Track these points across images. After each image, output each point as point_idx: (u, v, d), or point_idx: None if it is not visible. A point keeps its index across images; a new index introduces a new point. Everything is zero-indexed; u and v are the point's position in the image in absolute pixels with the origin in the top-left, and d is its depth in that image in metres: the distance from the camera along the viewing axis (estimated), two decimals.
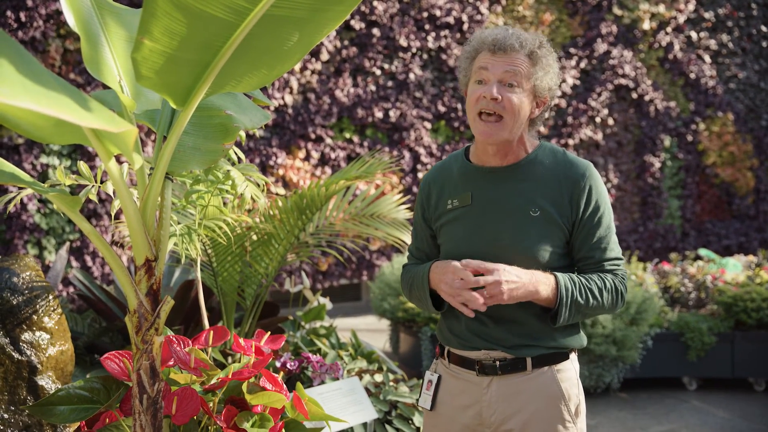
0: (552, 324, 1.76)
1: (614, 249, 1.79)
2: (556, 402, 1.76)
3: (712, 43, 8.97)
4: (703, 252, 6.60)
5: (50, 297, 2.33)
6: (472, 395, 1.80)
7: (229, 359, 2.81)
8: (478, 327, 1.79)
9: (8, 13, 5.63)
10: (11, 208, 2.11)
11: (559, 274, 1.72)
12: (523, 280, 1.68)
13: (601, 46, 8.35)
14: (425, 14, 7.47)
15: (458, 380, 1.84)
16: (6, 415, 2.12)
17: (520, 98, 1.71)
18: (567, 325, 1.80)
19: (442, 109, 7.57)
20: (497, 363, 1.77)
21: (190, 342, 1.86)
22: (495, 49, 1.72)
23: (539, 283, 1.69)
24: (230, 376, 1.81)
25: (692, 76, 8.84)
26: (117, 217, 5.27)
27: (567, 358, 1.81)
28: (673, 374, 4.88)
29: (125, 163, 1.98)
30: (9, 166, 1.46)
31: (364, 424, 2.60)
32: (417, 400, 2.16)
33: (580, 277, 1.74)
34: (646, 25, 8.58)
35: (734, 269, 5.64)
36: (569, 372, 1.80)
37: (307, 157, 7.03)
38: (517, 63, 1.70)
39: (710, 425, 4.23)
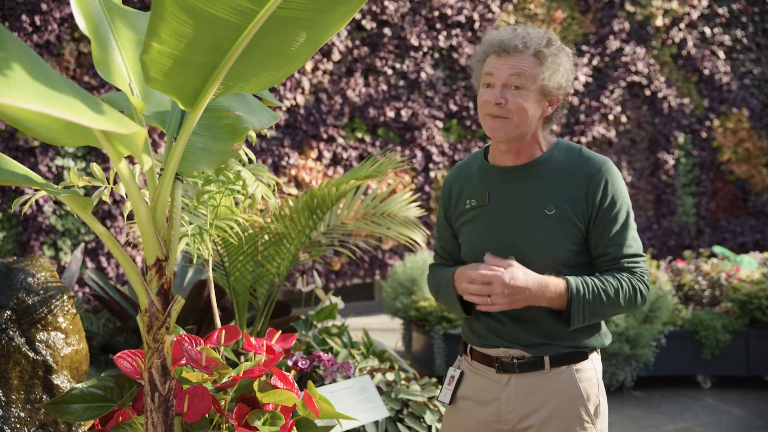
0: (567, 327, 1.75)
1: (632, 245, 1.76)
2: (575, 402, 1.75)
3: (726, 39, 8.89)
4: (717, 249, 6.54)
5: (65, 297, 2.36)
6: (491, 392, 1.82)
7: (242, 358, 2.83)
8: (496, 325, 1.81)
9: (23, 17, 5.69)
10: (26, 209, 2.15)
11: (571, 279, 1.70)
12: (528, 286, 1.67)
13: (613, 43, 8.31)
14: (436, 13, 7.46)
15: (479, 377, 1.86)
16: (23, 414, 2.15)
17: (527, 99, 1.71)
18: (587, 325, 1.78)
19: (453, 108, 7.56)
20: (515, 361, 1.78)
21: (201, 341, 1.88)
22: (500, 51, 1.72)
23: (547, 290, 1.69)
24: (241, 375, 1.83)
25: (706, 72, 8.77)
26: (130, 218, 5.31)
27: (586, 357, 1.79)
28: (687, 372, 4.85)
29: (138, 164, 2.00)
30: (23, 169, 1.49)
31: (376, 423, 2.61)
32: (437, 395, 2.18)
33: (594, 279, 1.72)
34: (659, 22, 8.52)
35: (749, 266, 5.58)
36: (589, 372, 1.79)
37: (320, 157, 7.05)
38: (521, 65, 1.70)
39: (725, 423, 4.20)
